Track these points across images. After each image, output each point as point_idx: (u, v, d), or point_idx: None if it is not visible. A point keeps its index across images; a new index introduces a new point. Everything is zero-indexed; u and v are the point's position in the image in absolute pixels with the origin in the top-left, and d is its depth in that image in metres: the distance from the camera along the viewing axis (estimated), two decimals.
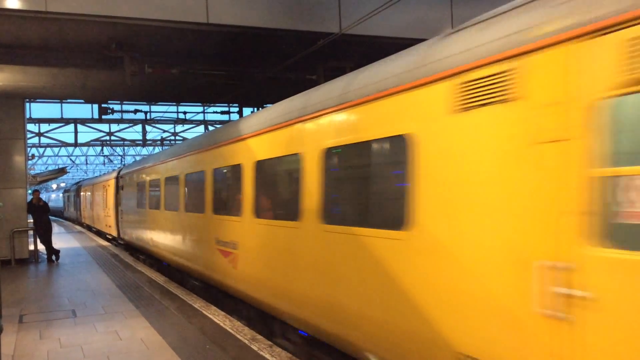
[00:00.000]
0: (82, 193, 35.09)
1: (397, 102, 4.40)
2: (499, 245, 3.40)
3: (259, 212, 7.04)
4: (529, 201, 3.20)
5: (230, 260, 7.82)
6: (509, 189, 3.35)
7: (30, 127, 24.80)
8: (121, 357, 6.10)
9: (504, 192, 3.39)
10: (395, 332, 4.39)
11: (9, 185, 14.86)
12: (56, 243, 16.34)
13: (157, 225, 13.31)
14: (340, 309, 5.16)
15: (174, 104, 22.77)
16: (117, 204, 20.24)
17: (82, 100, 18.11)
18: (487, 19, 3.86)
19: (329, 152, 5.42)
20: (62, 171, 38.60)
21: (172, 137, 29.47)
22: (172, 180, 11.76)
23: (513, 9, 3.63)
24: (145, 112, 22.03)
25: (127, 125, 26.83)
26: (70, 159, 45.56)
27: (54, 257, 15.41)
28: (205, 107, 24.71)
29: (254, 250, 7.12)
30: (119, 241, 20.53)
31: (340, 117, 5.23)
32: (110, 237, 23.35)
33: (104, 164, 48.45)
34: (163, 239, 12.59)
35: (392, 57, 4.93)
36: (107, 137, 29.85)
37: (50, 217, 16.38)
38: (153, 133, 40.06)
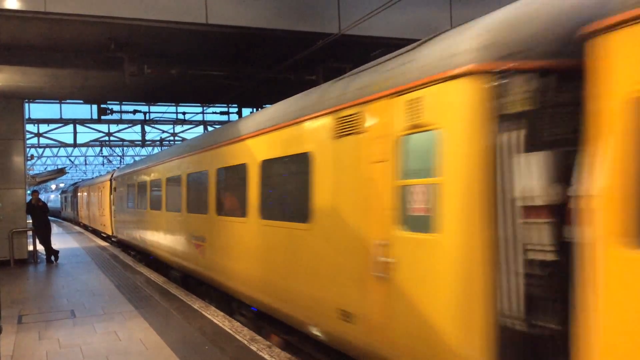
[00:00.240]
0: (78, 194, 35.93)
1: (303, 128, 6.00)
2: (355, 230, 4.94)
3: (219, 211, 8.79)
4: (369, 201, 4.75)
5: (200, 251, 9.84)
6: (359, 194, 4.89)
7: (30, 127, 24.75)
8: (120, 357, 6.11)
9: (357, 195, 4.93)
10: (303, 297, 5.95)
11: (8, 186, 14.85)
12: (55, 243, 16.32)
13: (145, 223, 14.56)
14: (273, 285, 6.73)
15: (173, 104, 22.80)
16: (111, 204, 21.07)
17: (81, 101, 18.11)
18: (356, 73, 5.40)
19: (264, 163, 7.03)
20: (61, 172, 38.62)
21: (171, 138, 29.41)
22: (155, 184, 13.49)
23: (369, 68, 5.19)
24: (145, 113, 22.02)
25: (126, 125, 26.80)
26: (70, 160, 45.51)
27: (53, 258, 15.40)
28: (205, 108, 24.74)
29: (216, 242, 8.92)
30: (112, 239, 21.26)
31: (270, 137, 6.89)
32: (105, 235, 24.15)
33: (103, 164, 48.32)
34: (150, 235, 13.94)
35: (301, 94, 6.67)
36: (106, 138, 29.75)
37: (48, 217, 16.37)
38: (152, 133, 39.94)
